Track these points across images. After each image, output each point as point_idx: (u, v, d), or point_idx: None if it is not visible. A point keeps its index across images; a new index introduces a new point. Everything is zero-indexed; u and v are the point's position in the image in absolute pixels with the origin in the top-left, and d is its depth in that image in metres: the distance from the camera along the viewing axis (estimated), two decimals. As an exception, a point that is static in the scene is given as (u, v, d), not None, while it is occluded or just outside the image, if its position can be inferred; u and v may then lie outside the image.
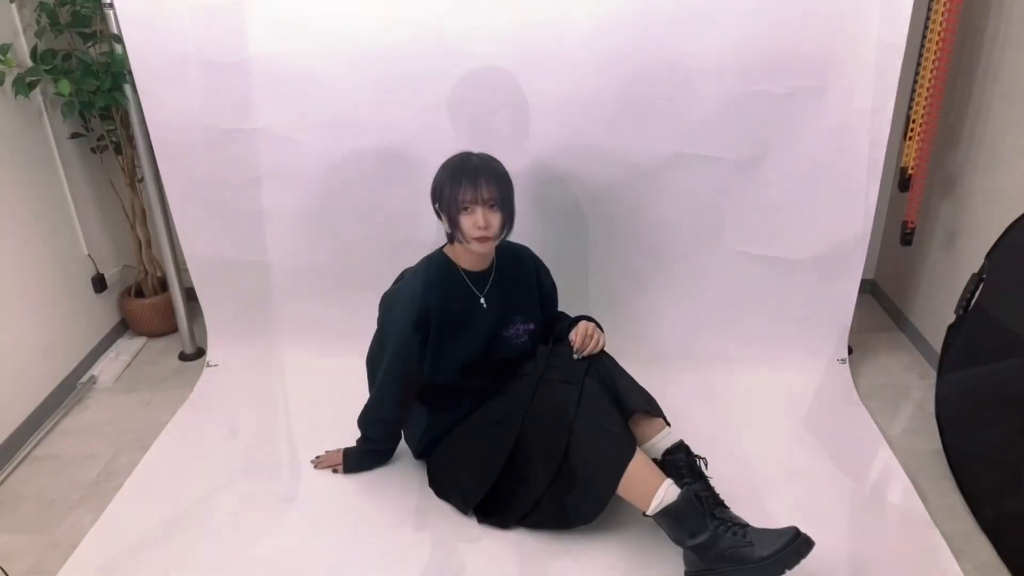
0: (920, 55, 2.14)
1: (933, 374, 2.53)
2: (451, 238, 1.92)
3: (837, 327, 2.51)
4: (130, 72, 2.22)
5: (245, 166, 2.29)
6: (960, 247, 2.40)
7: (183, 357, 2.74)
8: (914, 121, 2.19)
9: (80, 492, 2.09)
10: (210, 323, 2.63)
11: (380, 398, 1.98)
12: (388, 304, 1.94)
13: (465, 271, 1.94)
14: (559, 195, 2.32)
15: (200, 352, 2.74)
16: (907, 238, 2.32)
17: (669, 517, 1.68)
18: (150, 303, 2.80)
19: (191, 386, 2.55)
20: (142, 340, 2.85)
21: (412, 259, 2.39)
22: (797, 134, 2.22)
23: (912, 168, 2.22)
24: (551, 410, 1.82)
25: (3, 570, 1.78)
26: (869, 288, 3.06)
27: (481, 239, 1.82)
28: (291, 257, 2.47)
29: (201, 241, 2.44)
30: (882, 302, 3.00)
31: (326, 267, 2.47)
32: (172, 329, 2.87)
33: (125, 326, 2.92)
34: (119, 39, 2.21)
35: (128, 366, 2.69)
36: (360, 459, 2.09)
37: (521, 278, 2.02)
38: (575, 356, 1.88)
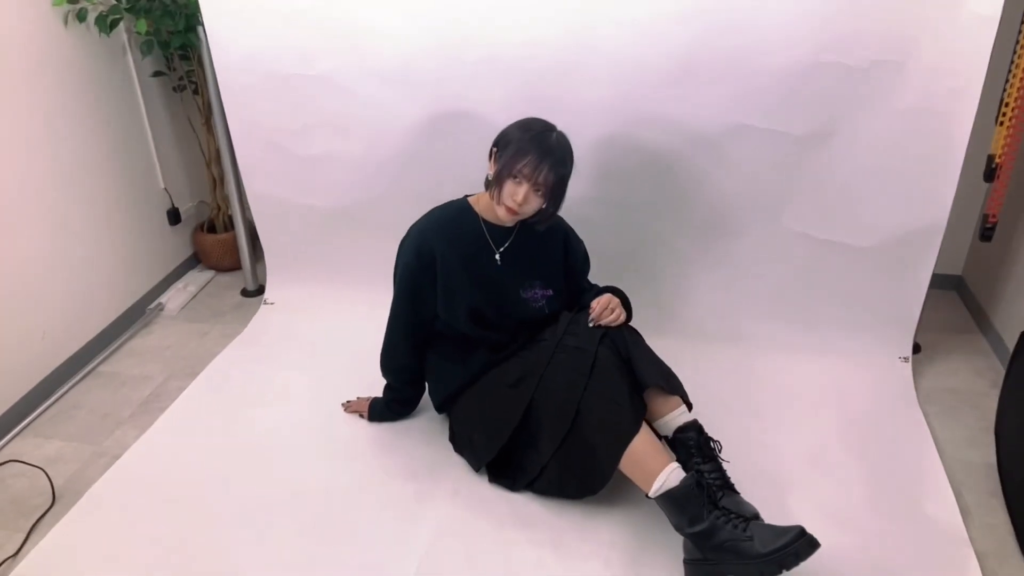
0: (1020, 30, 1.92)
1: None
2: (488, 186, 1.91)
3: (903, 323, 2.35)
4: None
5: (303, 111, 2.34)
6: (1053, 248, 2.18)
7: (244, 293, 2.86)
8: (1007, 104, 1.98)
9: (131, 409, 2.24)
10: (270, 262, 2.73)
11: (390, 337, 2.02)
12: (402, 241, 1.95)
13: (486, 222, 1.93)
14: (608, 159, 2.25)
15: (261, 289, 2.86)
16: (987, 233, 2.11)
17: (670, 501, 1.64)
18: (219, 239, 2.93)
19: (248, 321, 2.67)
20: (210, 274, 3.00)
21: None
22: (871, 111, 2.05)
23: (1000, 157, 2.02)
24: (564, 376, 1.80)
25: (45, 473, 1.94)
26: (955, 284, 2.83)
27: (510, 211, 1.81)
28: (343, 202, 2.51)
29: (262, 181, 2.53)
30: (967, 301, 2.77)
31: (375, 213, 2.51)
32: (239, 265, 3.00)
33: (196, 259, 3.07)
34: (192, -19, 2.29)
35: (194, 297, 2.85)
36: (384, 409, 2.14)
37: (545, 244, 1.99)
38: (590, 323, 1.84)
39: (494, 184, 1.82)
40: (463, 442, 2.02)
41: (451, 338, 2.00)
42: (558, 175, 1.78)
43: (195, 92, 2.74)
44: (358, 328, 2.55)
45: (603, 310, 1.85)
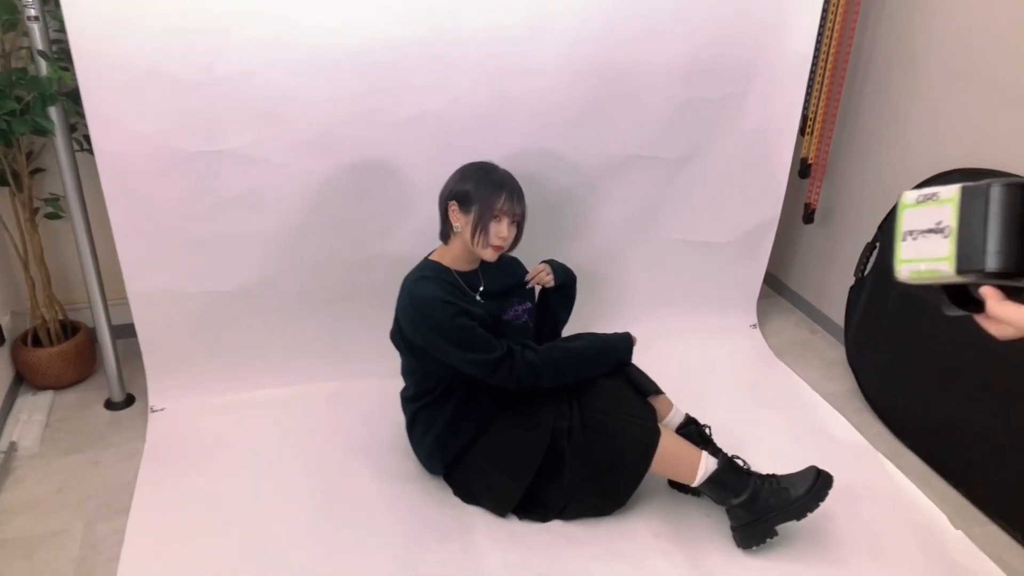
0: (817, 63, 2.55)
1: (819, 328, 3.04)
2: (446, 238, 2.01)
3: (749, 297, 2.92)
4: (63, 94, 1.96)
5: (209, 191, 2.12)
6: (835, 222, 2.89)
7: (111, 406, 2.45)
8: (812, 119, 2.61)
9: (70, 572, 1.85)
10: (150, 364, 2.38)
11: (492, 357, 1.89)
12: (421, 308, 1.90)
13: (458, 272, 2.02)
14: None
15: (131, 399, 2.47)
16: (809, 217, 2.76)
17: (714, 484, 1.90)
18: (59, 351, 2.46)
19: (140, 436, 2.31)
20: (48, 394, 2.49)
21: (382, 274, 2.39)
22: (724, 133, 2.53)
23: (812, 158, 2.65)
24: (580, 409, 1.97)
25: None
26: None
27: (496, 248, 1.94)
28: (250, 283, 2.32)
29: (147, 276, 2.21)
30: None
31: (290, 290, 2.36)
32: (80, 378, 2.56)
33: (19, 381, 2.53)
34: (46, 55, 1.94)
35: (47, 425, 2.36)
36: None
37: (504, 266, 2.14)
38: (526, 284, 2.15)
39: (475, 231, 1.92)
40: (479, 492, 2.05)
41: (452, 398, 2.02)
42: (524, 201, 1.98)
43: (2, 183, 2.26)
44: (277, 409, 2.42)
45: (537, 274, 2.14)
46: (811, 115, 2.62)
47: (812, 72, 2.55)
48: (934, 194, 0.58)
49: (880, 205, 2.52)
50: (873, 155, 2.63)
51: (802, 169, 2.70)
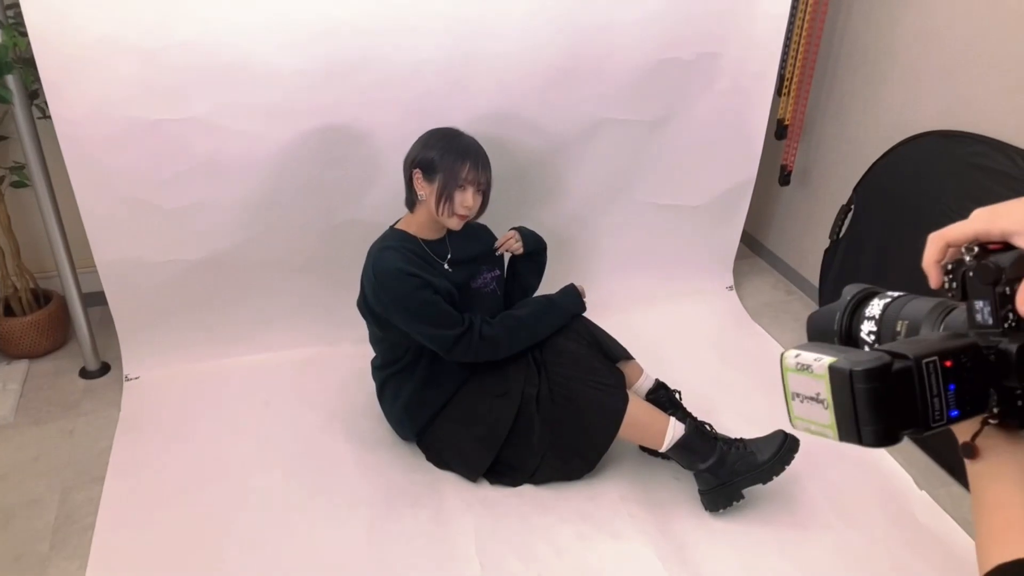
0: (794, 23, 2.51)
1: (796, 290, 3.05)
2: (411, 206, 1.99)
3: (725, 260, 2.91)
4: (20, 61, 1.92)
5: (172, 159, 2.09)
6: (813, 183, 2.87)
7: (86, 375, 2.45)
8: (788, 79, 2.58)
9: (46, 541, 1.87)
10: (123, 333, 2.38)
11: (456, 332, 1.91)
12: (383, 280, 1.89)
13: (425, 241, 2.00)
14: (495, 163, 2.40)
15: (106, 367, 2.48)
16: (786, 179, 2.75)
17: (682, 448, 1.93)
18: (31, 320, 2.45)
19: (115, 404, 2.32)
20: (23, 363, 2.49)
21: (352, 241, 2.38)
22: (698, 95, 2.50)
23: (789, 119, 2.62)
24: (549, 375, 1.98)
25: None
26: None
27: (462, 217, 1.93)
28: (219, 251, 2.30)
29: (114, 245, 2.19)
30: (735, 233, 3.46)
31: (260, 258, 2.35)
32: (55, 347, 2.56)
33: (-7, 350, 2.53)
34: (0, 22, 1.89)
35: (22, 395, 2.36)
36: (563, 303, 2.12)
37: (472, 233, 2.12)
38: (495, 252, 2.14)
39: (440, 200, 1.90)
40: (451, 457, 2.07)
41: (419, 366, 2.02)
42: (488, 169, 1.96)
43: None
44: (250, 377, 2.43)
45: (506, 241, 2.12)
46: (788, 75, 2.59)
47: (789, 32, 2.50)
48: (808, 366, 0.60)
49: (856, 166, 2.50)
50: (850, 116, 2.60)
51: (778, 130, 2.67)
